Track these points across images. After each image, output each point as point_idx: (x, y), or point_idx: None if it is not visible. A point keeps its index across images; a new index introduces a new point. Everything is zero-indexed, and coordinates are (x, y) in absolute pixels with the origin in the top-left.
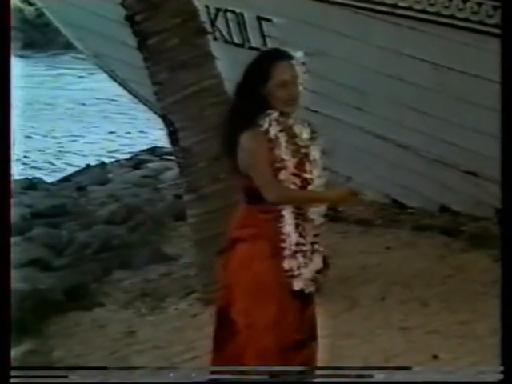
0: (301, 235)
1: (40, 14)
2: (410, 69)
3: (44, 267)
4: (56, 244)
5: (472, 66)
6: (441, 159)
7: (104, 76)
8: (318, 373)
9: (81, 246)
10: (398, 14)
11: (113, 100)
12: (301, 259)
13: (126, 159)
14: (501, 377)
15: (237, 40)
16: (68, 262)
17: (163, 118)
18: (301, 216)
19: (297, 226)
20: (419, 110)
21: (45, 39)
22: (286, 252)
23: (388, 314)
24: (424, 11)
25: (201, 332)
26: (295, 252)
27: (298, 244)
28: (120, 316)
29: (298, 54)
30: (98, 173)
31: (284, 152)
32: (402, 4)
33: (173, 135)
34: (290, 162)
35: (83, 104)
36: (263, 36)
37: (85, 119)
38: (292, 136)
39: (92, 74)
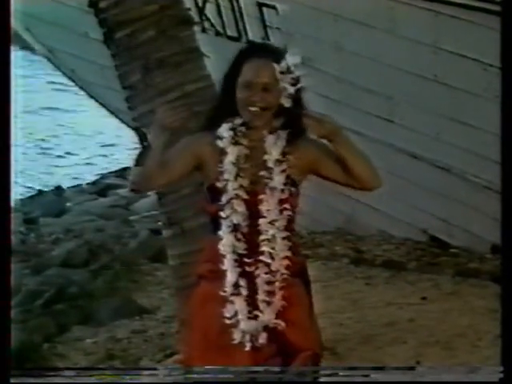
0: (242, 275)
1: None
2: (450, 69)
3: None
4: None
5: None
6: (492, 185)
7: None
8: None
9: (30, 295)
10: None
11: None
12: (239, 306)
13: (88, 183)
14: (501, 376)
15: (231, 32)
16: (13, 315)
17: (136, 131)
18: (248, 253)
19: (238, 262)
20: (463, 122)
21: None
22: (226, 294)
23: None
24: None
25: None
26: (232, 295)
27: (235, 285)
28: None
29: (292, 59)
30: (53, 201)
31: (228, 171)
32: None
33: None
34: (236, 185)
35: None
36: (264, 27)
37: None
38: (253, 156)
39: None
